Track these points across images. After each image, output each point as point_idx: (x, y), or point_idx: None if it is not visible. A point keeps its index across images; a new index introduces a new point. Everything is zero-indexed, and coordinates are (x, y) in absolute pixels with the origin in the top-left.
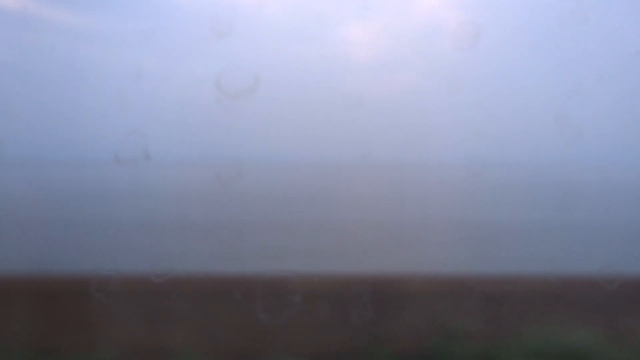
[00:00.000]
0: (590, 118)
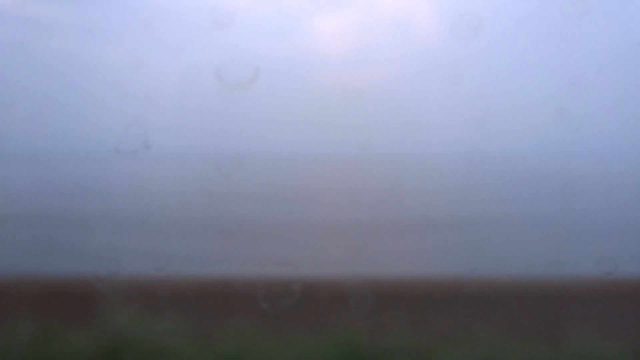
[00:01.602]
0: (591, 109)
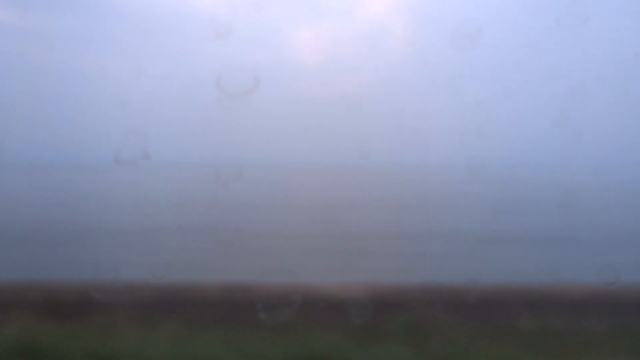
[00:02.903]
0: (590, 118)
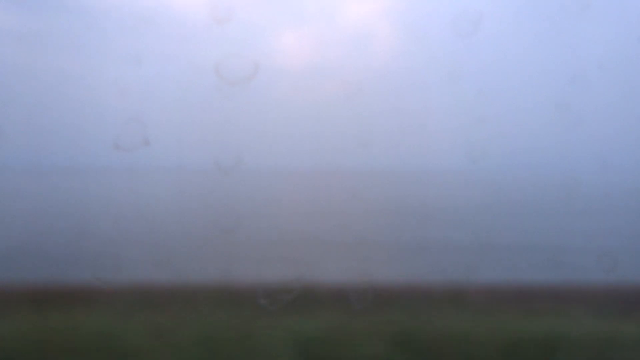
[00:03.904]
0: (591, 105)
